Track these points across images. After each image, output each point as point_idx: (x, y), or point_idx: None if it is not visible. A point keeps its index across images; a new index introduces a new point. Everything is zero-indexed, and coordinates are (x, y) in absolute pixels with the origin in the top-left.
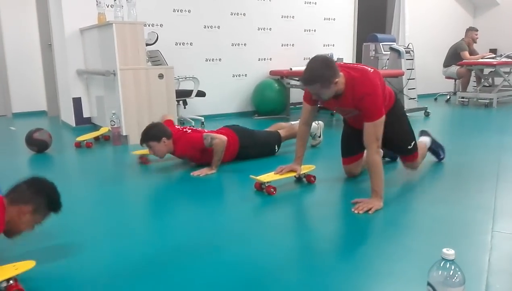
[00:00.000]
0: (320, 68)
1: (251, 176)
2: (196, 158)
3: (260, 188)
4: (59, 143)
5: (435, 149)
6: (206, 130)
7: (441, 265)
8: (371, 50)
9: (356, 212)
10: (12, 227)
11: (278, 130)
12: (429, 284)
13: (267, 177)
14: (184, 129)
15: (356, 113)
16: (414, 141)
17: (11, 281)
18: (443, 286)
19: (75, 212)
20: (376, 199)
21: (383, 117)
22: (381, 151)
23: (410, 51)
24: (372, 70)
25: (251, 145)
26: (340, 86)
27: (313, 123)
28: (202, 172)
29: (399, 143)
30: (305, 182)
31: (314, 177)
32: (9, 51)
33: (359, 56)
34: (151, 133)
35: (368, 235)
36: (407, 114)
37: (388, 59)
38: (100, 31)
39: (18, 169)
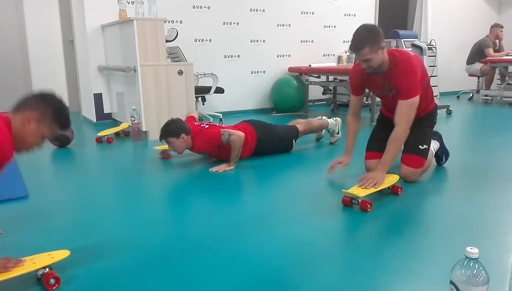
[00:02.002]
0: (366, 33)
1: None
2: (214, 153)
3: (350, 203)
4: (80, 138)
5: (440, 154)
6: (223, 126)
7: (465, 263)
8: (392, 46)
9: (363, 187)
10: (19, 139)
11: (296, 125)
12: (451, 282)
13: (361, 190)
14: (202, 125)
15: (395, 92)
16: (427, 147)
17: (46, 269)
18: (466, 285)
19: (97, 205)
20: (380, 172)
21: (417, 99)
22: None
23: (433, 48)
24: (413, 54)
25: (269, 139)
26: (386, 60)
27: (331, 120)
28: (221, 168)
29: (413, 140)
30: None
31: (401, 188)
32: (32, 48)
33: None
34: (170, 130)
35: (388, 233)
36: None
37: None
38: (121, 27)
39: (41, 163)
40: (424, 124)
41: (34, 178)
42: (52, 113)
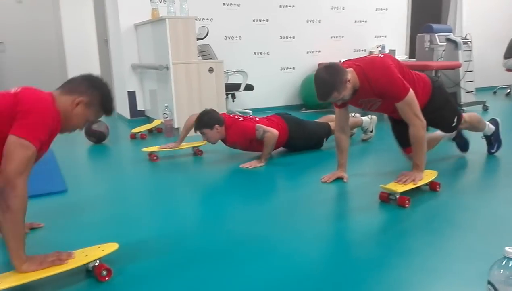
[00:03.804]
0: (328, 78)
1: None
2: (245, 146)
3: (388, 199)
4: (115, 135)
5: (493, 141)
6: (257, 118)
7: (503, 263)
8: (426, 41)
9: (400, 183)
10: (64, 119)
11: (329, 123)
12: (489, 282)
13: (399, 186)
14: (236, 117)
15: (379, 103)
16: (457, 116)
17: (97, 262)
18: (504, 286)
19: (134, 200)
20: (417, 171)
21: (411, 92)
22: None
23: (468, 42)
24: (381, 55)
25: (300, 135)
26: (355, 81)
27: (366, 118)
28: (251, 164)
29: (442, 125)
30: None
31: (439, 184)
32: (68, 47)
33: (412, 48)
34: (205, 121)
35: (425, 231)
36: (464, 108)
37: (444, 50)
38: (153, 26)
39: (78, 159)
40: (439, 112)
41: (72, 172)
42: (100, 99)
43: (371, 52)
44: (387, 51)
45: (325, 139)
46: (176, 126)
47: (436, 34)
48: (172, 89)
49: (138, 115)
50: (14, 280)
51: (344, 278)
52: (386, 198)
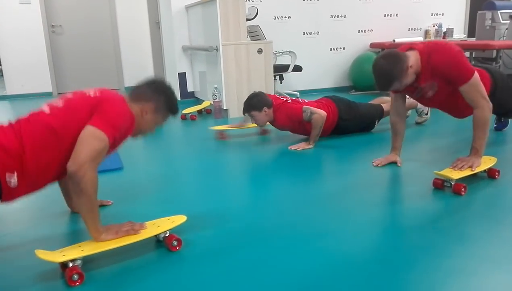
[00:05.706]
0: (388, 68)
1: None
2: (295, 129)
3: (442, 186)
4: None
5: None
6: (306, 101)
7: None
8: (487, 19)
9: (456, 169)
10: (136, 125)
11: (381, 104)
12: None
13: (454, 173)
14: (285, 100)
15: (436, 87)
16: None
17: (168, 233)
18: None
19: (187, 178)
20: (475, 157)
21: (476, 75)
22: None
23: None
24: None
25: (351, 118)
26: (417, 65)
27: None
28: (300, 146)
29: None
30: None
31: (498, 171)
32: (122, 30)
33: (472, 26)
34: (253, 103)
35: (484, 219)
36: None
37: (507, 29)
38: (204, 7)
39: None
40: (505, 99)
41: (125, 151)
42: (165, 103)
43: (427, 31)
44: (444, 30)
45: (377, 121)
46: (224, 108)
47: (499, 12)
48: (221, 70)
49: (188, 97)
50: (94, 248)
51: (399, 264)
52: (440, 185)
